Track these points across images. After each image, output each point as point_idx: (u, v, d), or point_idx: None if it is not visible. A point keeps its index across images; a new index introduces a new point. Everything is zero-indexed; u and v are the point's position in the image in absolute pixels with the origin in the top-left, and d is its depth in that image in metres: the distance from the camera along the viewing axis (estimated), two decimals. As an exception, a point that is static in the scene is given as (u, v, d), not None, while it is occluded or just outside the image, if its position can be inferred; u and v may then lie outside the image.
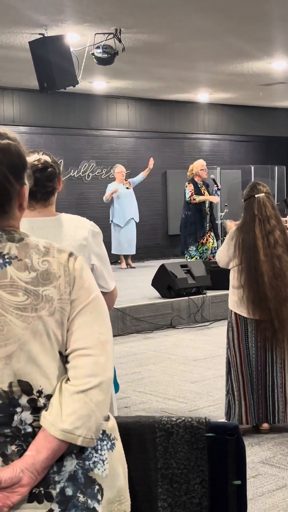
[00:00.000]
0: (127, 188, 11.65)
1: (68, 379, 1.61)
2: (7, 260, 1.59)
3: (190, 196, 9.90)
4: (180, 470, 2.02)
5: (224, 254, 4.36)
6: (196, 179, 9.99)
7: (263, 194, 4.24)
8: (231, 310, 4.35)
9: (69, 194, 11.86)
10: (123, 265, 11.92)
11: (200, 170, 10.00)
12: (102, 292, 2.78)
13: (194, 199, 9.86)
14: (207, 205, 10.07)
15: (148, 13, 7.15)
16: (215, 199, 10.15)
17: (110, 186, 11.65)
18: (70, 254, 1.68)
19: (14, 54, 8.70)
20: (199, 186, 10.03)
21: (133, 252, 11.85)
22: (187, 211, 10.03)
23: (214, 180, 10.42)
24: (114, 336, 3.01)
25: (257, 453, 4.08)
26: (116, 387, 3.01)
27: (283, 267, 4.15)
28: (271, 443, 4.26)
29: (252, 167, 13.69)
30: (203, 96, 13.21)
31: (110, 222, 11.65)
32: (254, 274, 4.15)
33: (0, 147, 1.61)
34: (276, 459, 4.00)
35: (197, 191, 9.95)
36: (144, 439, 2.04)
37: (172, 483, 2.02)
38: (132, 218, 11.71)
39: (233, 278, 4.33)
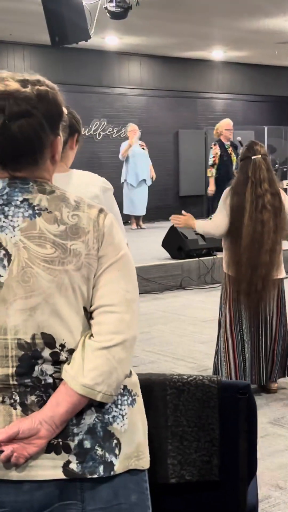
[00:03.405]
0: (143, 148, 11.55)
1: (91, 335, 1.59)
2: (37, 211, 1.58)
3: (212, 165, 9.59)
4: (191, 428, 2.00)
5: (226, 215, 4.17)
6: (222, 138, 9.65)
7: (260, 156, 4.16)
8: (224, 272, 4.32)
9: (80, 152, 11.56)
10: (134, 225, 11.87)
11: (226, 130, 9.55)
12: None
13: (211, 170, 9.56)
14: (234, 166, 9.72)
15: None
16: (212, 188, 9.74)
17: (123, 144, 11.55)
18: (101, 210, 1.65)
19: (26, 7, 8.52)
20: (226, 147, 9.62)
21: (144, 213, 11.81)
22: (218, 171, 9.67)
23: (240, 142, 10.14)
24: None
25: (266, 413, 4.08)
26: None
27: (264, 233, 4.08)
28: (280, 404, 4.25)
29: (266, 128, 13.50)
30: (217, 53, 12.96)
31: (123, 182, 11.58)
32: (236, 237, 4.12)
33: (37, 93, 1.58)
34: (284, 419, 3.99)
35: (224, 153, 9.55)
36: (155, 396, 2.01)
37: (182, 441, 2.00)
38: (144, 180, 11.62)
39: (225, 238, 4.28)
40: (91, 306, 1.61)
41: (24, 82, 1.60)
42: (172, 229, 8.49)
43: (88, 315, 1.62)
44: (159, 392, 2.02)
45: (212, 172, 9.58)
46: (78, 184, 2.67)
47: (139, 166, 11.52)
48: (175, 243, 8.39)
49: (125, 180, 11.59)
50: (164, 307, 7.11)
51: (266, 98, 14.94)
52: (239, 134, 13.64)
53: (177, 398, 2.01)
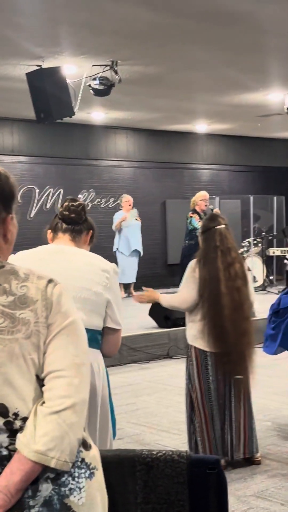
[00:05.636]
0: (136, 219, 11.80)
1: (43, 402, 1.61)
2: None
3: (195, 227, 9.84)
4: (160, 504, 1.98)
5: (192, 288, 4.14)
6: (197, 208, 10.04)
7: (223, 226, 4.19)
8: (191, 345, 4.25)
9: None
10: (122, 294, 11.91)
11: (200, 200, 10.05)
12: (114, 329, 2.85)
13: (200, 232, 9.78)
14: None
15: (144, 45, 7.23)
16: None
17: (117, 214, 11.81)
18: (50, 281, 1.70)
19: (12, 85, 8.79)
20: (201, 217, 10.02)
21: (134, 280, 11.94)
22: (189, 240, 9.99)
23: (212, 211, 10.43)
24: (109, 366, 2.99)
25: (250, 486, 4.02)
26: (114, 434, 2.99)
27: (241, 300, 4.09)
28: (264, 476, 4.19)
29: (251, 197, 13.72)
30: (201, 126, 13.30)
31: (115, 250, 11.76)
32: (215, 307, 4.05)
33: None
34: (268, 492, 3.93)
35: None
36: (124, 473, 2.00)
37: (152, 519, 1.98)
38: (136, 250, 11.82)
39: (191, 311, 4.21)
40: (42, 372, 1.63)
41: None
42: (159, 299, 8.50)
43: (41, 382, 1.63)
44: (128, 469, 2.00)
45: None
46: (95, 257, 2.91)
47: (131, 236, 11.73)
48: (162, 312, 8.40)
49: (117, 249, 11.77)
50: (151, 377, 7.06)
51: (251, 168, 15.27)
52: (226, 203, 13.91)
53: (146, 475, 2.00)
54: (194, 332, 4.21)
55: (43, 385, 1.63)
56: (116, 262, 11.61)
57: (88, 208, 12.34)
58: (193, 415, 4.27)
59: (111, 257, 11.65)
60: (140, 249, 11.92)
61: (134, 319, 8.93)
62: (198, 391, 4.21)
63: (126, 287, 12.02)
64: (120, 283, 11.77)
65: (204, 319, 4.13)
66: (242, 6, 6.01)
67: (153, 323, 8.55)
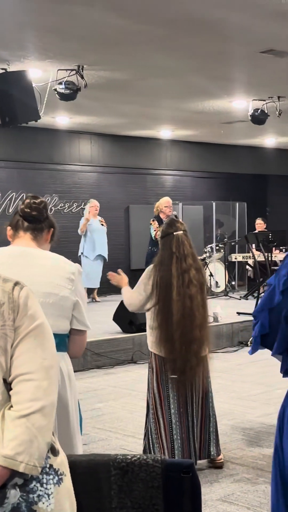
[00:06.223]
0: (102, 224, 11.81)
1: (11, 406, 1.59)
2: None
3: (155, 235, 9.90)
4: (135, 509, 1.99)
5: (140, 294, 4.19)
6: (161, 215, 10.07)
7: (181, 232, 4.19)
8: (150, 351, 4.26)
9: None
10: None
11: (165, 207, 10.07)
12: (81, 330, 2.85)
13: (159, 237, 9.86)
14: None
15: (111, 50, 7.25)
16: None
17: (83, 219, 11.82)
18: (16, 283, 1.70)
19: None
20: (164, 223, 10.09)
21: (98, 285, 11.93)
22: (152, 247, 10.04)
23: (176, 217, 10.48)
24: (74, 371, 2.98)
25: (216, 490, 4.04)
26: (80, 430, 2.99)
27: (193, 307, 4.05)
28: (230, 480, 4.22)
29: (214, 203, 13.84)
30: (165, 132, 13.37)
31: (80, 255, 11.75)
32: (165, 313, 4.06)
33: None
34: (234, 496, 3.96)
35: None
36: (99, 477, 2.00)
37: (127, 523, 1.98)
38: (101, 255, 11.82)
39: (150, 318, 4.21)
40: (9, 376, 1.62)
41: None
42: (123, 303, 8.49)
43: (8, 386, 1.62)
44: (103, 474, 2.00)
45: None
46: (58, 258, 2.91)
47: (96, 241, 11.75)
48: (126, 317, 8.40)
49: (82, 253, 11.77)
50: (115, 382, 7.05)
51: (214, 174, 15.40)
52: (189, 209, 14.00)
53: (121, 479, 2.00)
54: (152, 338, 4.22)
55: (10, 389, 1.61)
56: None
57: (51, 213, 12.22)
58: (149, 421, 4.25)
59: (75, 261, 11.58)
60: (105, 254, 11.93)
61: (99, 324, 8.91)
62: (157, 398, 4.19)
63: (89, 291, 12.00)
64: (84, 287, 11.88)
65: (159, 327, 4.13)
66: (213, 14, 6.07)
67: (117, 328, 8.54)
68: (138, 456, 2.03)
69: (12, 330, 1.63)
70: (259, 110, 9.78)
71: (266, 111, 9.81)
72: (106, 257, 11.94)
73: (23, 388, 1.60)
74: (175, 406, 4.15)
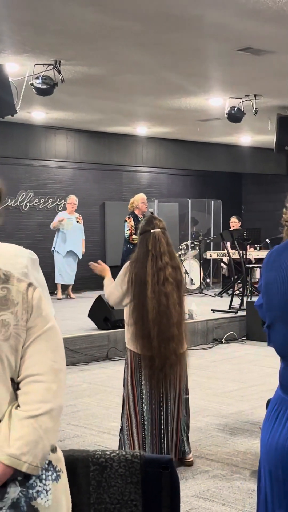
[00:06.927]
0: (77, 221, 11.80)
1: (18, 405, 1.60)
2: None
3: (129, 236, 9.84)
4: (113, 505, 1.99)
5: (117, 290, 4.21)
6: (136, 212, 10.00)
7: (159, 229, 4.18)
8: (127, 347, 4.27)
9: (6, 223, 11.73)
10: (59, 295, 11.86)
11: (141, 203, 10.00)
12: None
13: (133, 240, 9.76)
14: None
15: (88, 45, 7.22)
16: None
17: (59, 214, 11.91)
18: (30, 284, 1.71)
19: None
20: (140, 219, 10.04)
21: (72, 282, 11.90)
22: (128, 245, 9.98)
23: (152, 213, 10.48)
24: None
25: (191, 486, 4.06)
26: None
27: (169, 305, 4.06)
28: (205, 476, 4.24)
29: (189, 201, 13.87)
30: (141, 129, 13.36)
31: (52, 250, 11.75)
32: (141, 311, 4.07)
33: None
34: (209, 492, 3.98)
35: (138, 225, 9.93)
36: (78, 473, 2.00)
37: (105, 519, 1.97)
38: (73, 251, 11.79)
39: (126, 314, 4.23)
40: (18, 376, 1.62)
41: None
42: (99, 300, 8.50)
43: (15, 386, 1.62)
44: (82, 469, 2.00)
45: (135, 238, 9.80)
46: (8, 256, 2.70)
47: (68, 237, 11.74)
48: (101, 313, 8.39)
49: (54, 248, 11.78)
50: (90, 378, 7.04)
51: (189, 172, 15.42)
52: (164, 206, 14.02)
53: (100, 475, 2.00)
54: (129, 335, 4.23)
55: (18, 389, 1.61)
56: (53, 262, 11.68)
57: (26, 209, 12.19)
58: (123, 416, 4.25)
59: (49, 257, 11.63)
60: (78, 251, 11.90)
61: (74, 320, 8.89)
62: (130, 394, 4.19)
63: (64, 288, 11.97)
64: (57, 284, 11.82)
65: (134, 324, 4.14)
66: (191, 11, 6.07)
67: (92, 324, 8.53)
68: (117, 452, 2.03)
69: (24, 330, 1.63)
70: (236, 108, 9.81)
71: (242, 109, 9.84)
72: (80, 254, 11.90)
73: (32, 389, 1.61)
74: (147, 403, 4.15)
